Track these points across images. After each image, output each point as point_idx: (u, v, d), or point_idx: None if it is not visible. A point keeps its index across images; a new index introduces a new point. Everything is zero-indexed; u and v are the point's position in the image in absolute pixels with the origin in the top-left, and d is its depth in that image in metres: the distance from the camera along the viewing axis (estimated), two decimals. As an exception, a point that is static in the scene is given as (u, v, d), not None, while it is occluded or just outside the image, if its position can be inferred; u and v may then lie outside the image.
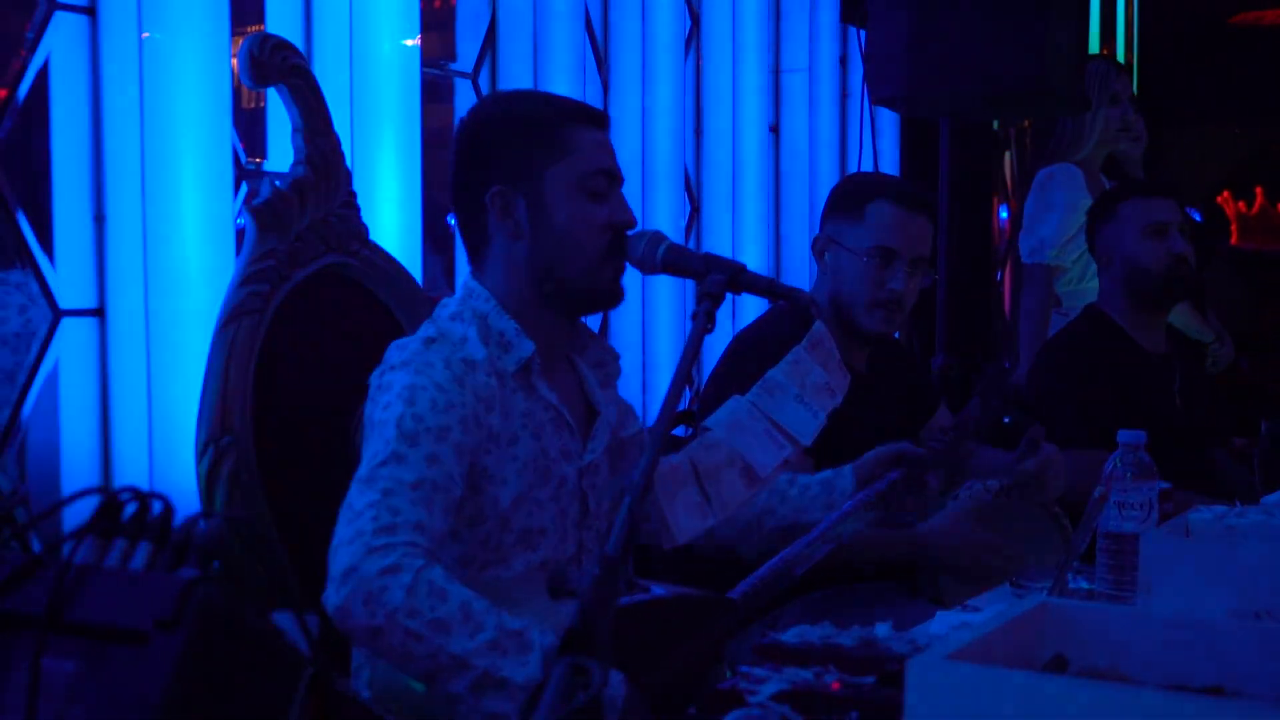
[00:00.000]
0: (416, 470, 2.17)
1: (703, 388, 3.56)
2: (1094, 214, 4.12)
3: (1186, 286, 3.98)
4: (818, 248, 3.38)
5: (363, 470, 2.19)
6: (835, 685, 1.94)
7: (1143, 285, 3.96)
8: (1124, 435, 2.50)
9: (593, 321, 4.10)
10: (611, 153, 2.45)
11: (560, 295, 2.41)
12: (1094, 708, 1.48)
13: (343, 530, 2.12)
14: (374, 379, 2.34)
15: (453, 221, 3.59)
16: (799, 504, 2.72)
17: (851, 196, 3.34)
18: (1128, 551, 2.41)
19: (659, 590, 2.39)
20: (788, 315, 3.17)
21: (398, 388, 2.26)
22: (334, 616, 2.06)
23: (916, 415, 3.52)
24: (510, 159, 2.40)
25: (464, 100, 3.70)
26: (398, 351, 2.33)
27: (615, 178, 2.43)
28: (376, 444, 2.21)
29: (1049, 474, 3.14)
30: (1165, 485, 2.50)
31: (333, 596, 2.06)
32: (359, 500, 2.14)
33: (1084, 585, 2.58)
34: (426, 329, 2.38)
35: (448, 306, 2.43)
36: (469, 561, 2.34)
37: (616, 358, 2.60)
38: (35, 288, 2.59)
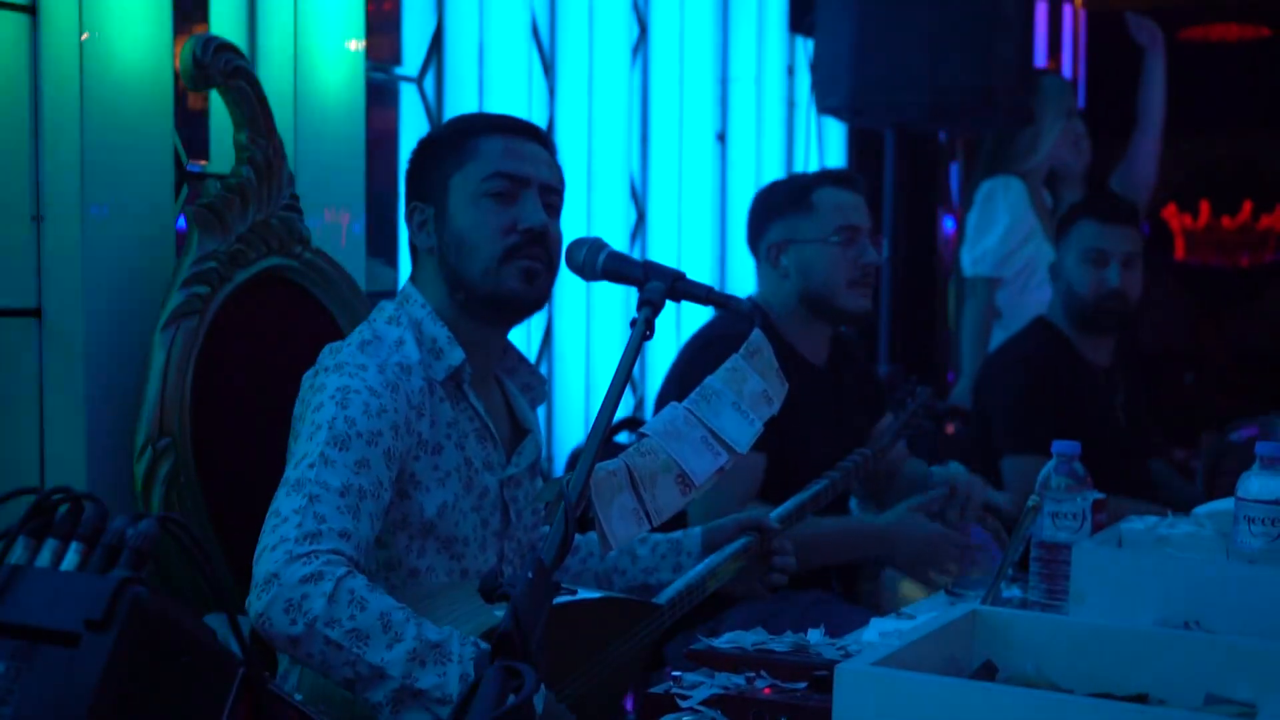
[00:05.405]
0: (344, 476, 2.16)
1: (658, 392, 3.58)
2: (1059, 225, 4.17)
3: (1118, 319, 4.01)
4: (770, 255, 3.41)
5: (291, 473, 2.18)
6: (767, 690, 1.95)
7: (1074, 308, 4.01)
8: (1058, 445, 2.52)
9: (537, 328, 4.10)
10: (525, 157, 2.43)
11: (472, 303, 2.41)
12: (1018, 714, 1.50)
13: (267, 536, 2.11)
14: (306, 378, 2.34)
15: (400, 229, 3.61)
16: (648, 564, 2.73)
17: (793, 194, 3.43)
18: (1060, 561, 2.43)
19: (586, 593, 2.40)
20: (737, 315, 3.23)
21: (330, 389, 2.25)
22: (255, 623, 2.05)
23: (870, 414, 3.55)
24: (423, 176, 2.47)
25: (409, 103, 3.70)
26: (331, 354, 2.33)
27: (520, 180, 2.41)
28: (306, 445, 2.21)
29: (961, 495, 3.21)
30: (1099, 495, 2.52)
31: (255, 603, 2.05)
32: (285, 505, 2.13)
33: (1018, 594, 2.61)
34: (362, 331, 2.38)
35: (384, 310, 2.44)
36: (395, 566, 2.35)
37: (543, 382, 2.62)
38: (-28, 287, 2.57)
